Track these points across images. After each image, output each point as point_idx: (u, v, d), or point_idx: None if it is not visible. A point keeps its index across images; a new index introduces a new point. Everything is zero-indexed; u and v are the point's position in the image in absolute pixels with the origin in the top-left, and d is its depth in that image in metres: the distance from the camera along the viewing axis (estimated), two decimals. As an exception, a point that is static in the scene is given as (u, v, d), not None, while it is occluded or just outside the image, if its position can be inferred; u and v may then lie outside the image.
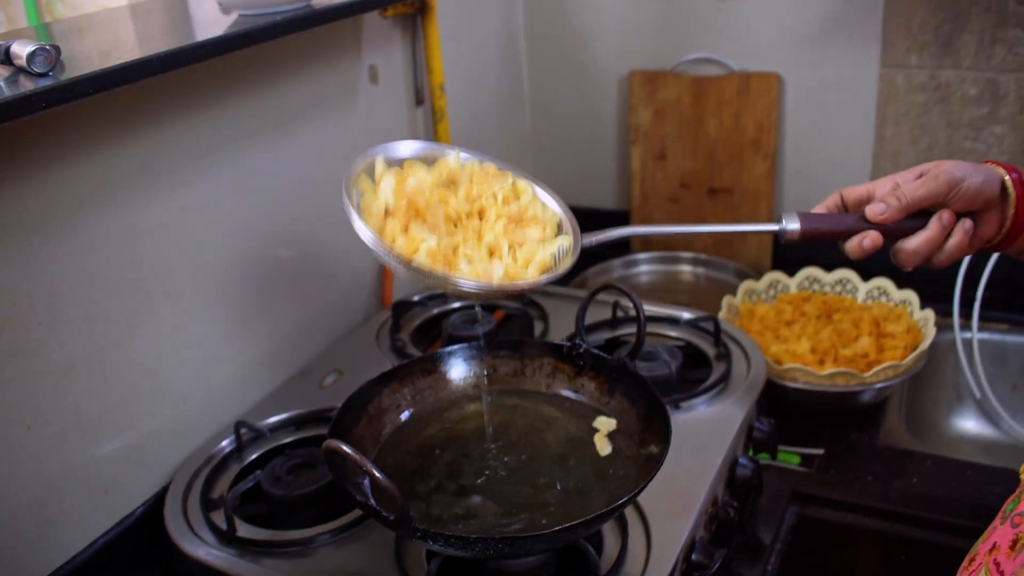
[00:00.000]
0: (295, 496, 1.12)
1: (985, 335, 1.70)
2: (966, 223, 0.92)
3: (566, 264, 0.94)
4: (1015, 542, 0.91)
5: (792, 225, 0.96)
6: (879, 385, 1.45)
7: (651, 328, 1.44)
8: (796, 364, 1.46)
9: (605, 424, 1.06)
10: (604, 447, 1.04)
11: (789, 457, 1.41)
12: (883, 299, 1.68)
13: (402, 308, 1.54)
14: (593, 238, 0.98)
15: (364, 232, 0.88)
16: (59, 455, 1.09)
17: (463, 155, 1.03)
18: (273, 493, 1.13)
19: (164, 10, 1.34)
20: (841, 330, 1.57)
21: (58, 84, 0.86)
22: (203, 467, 1.21)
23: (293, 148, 1.40)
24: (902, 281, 1.68)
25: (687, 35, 1.93)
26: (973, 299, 1.65)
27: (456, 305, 1.59)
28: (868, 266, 1.76)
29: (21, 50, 0.88)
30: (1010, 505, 0.97)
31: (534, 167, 2.20)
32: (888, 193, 0.93)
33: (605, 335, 1.44)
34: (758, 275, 1.78)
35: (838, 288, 1.72)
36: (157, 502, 1.19)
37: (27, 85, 0.86)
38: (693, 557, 1.04)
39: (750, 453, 1.29)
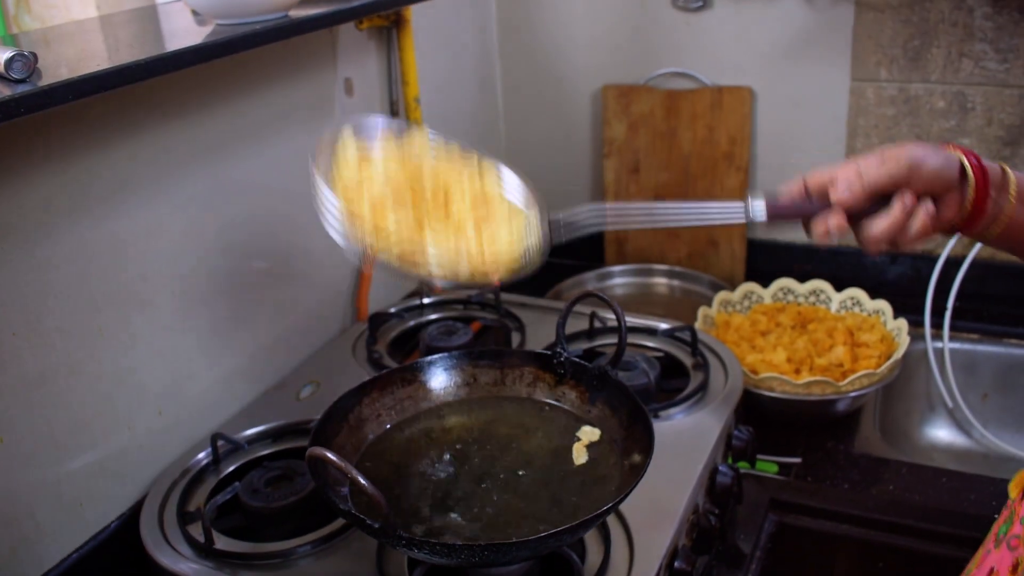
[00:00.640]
0: (274, 508, 1.11)
1: (956, 345, 1.73)
2: (928, 205, 0.92)
3: (532, 243, 0.95)
4: (1015, 566, 0.92)
5: (758, 204, 0.97)
6: (854, 393, 1.46)
7: (629, 338, 1.44)
8: (772, 373, 1.47)
9: (588, 434, 1.06)
10: (580, 456, 1.04)
11: (767, 466, 1.41)
12: (856, 309, 1.69)
13: (378, 320, 1.53)
14: (560, 215, 0.98)
15: (332, 201, 0.88)
16: (32, 469, 1.07)
17: (430, 133, 1.02)
18: (251, 505, 1.12)
19: (135, 22, 1.33)
20: (816, 340, 1.58)
21: (37, 90, 0.84)
22: (179, 480, 1.19)
23: (269, 159, 1.40)
24: (875, 291, 1.70)
25: (659, 50, 1.95)
26: (944, 309, 1.68)
27: (433, 317, 1.59)
28: (841, 276, 1.79)
29: (-2, 56, 0.87)
30: (1002, 528, 0.97)
31: (509, 181, 2.20)
32: (850, 176, 0.93)
33: (583, 345, 1.45)
34: (732, 287, 1.80)
35: (812, 299, 1.74)
36: (132, 516, 1.17)
37: (4, 92, 0.85)
38: (676, 565, 1.05)
39: (729, 461, 1.29)
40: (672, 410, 1.28)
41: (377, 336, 1.52)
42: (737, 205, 0.99)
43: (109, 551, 1.16)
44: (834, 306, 1.71)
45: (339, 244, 0.92)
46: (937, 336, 1.72)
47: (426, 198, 0.95)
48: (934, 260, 1.70)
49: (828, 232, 0.94)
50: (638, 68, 1.97)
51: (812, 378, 1.45)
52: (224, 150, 1.31)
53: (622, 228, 1.05)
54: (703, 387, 1.32)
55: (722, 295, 1.72)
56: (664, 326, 1.48)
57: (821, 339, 1.58)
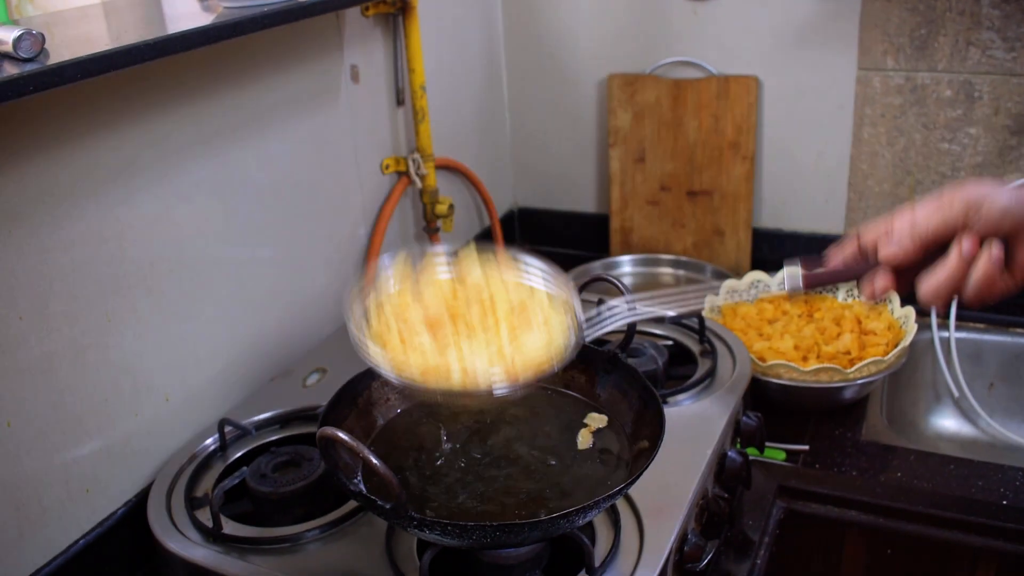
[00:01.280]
0: (281, 493, 1.11)
1: (962, 334, 1.73)
2: (993, 249, 0.80)
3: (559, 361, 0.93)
4: None
5: (793, 273, 0.91)
6: (861, 381, 1.46)
7: (637, 325, 1.44)
8: (780, 360, 1.46)
9: (596, 420, 1.06)
10: (586, 441, 1.03)
11: (775, 453, 1.41)
12: (863, 297, 1.69)
13: (385, 308, 1.53)
14: (595, 331, 0.96)
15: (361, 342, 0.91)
16: (39, 454, 1.07)
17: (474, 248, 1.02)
18: (259, 490, 1.11)
19: (137, 7, 1.33)
20: (823, 327, 1.58)
21: (46, 68, 0.84)
22: (187, 465, 1.19)
23: (275, 146, 1.39)
24: (881, 280, 1.69)
25: (665, 38, 1.94)
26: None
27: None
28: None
29: (7, 35, 0.86)
30: None
31: (513, 170, 2.20)
32: (903, 228, 0.84)
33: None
34: (738, 276, 1.79)
35: (818, 288, 1.73)
36: (139, 501, 1.17)
37: (12, 71, 0.85)
38: (685, 548, 1.04)
39: (738, 446, 1.29)
40: (680, 396, 1.27)
41: (383, 324, 1.51)
42: (775, 291, 0.92)
43: (116, 536, 1.16)
44: (840, 295, 1.71)
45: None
46: (943, 325, 1.71)
47: (465, 314, 0.96)
48: (941, 249, 1.69)
49: (874, 295, 0.87)
50: (644, 57, 1.97)
51: (820, 365, 1.44)
52: (231, 136, 1.30)
53: (649, 317, 1.03)
54: (711, 374, 1.32)
55: (729, 283, 1.72)
56: (671, 313, 1.47)
57: (828, 327, 1.57)
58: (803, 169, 1.91)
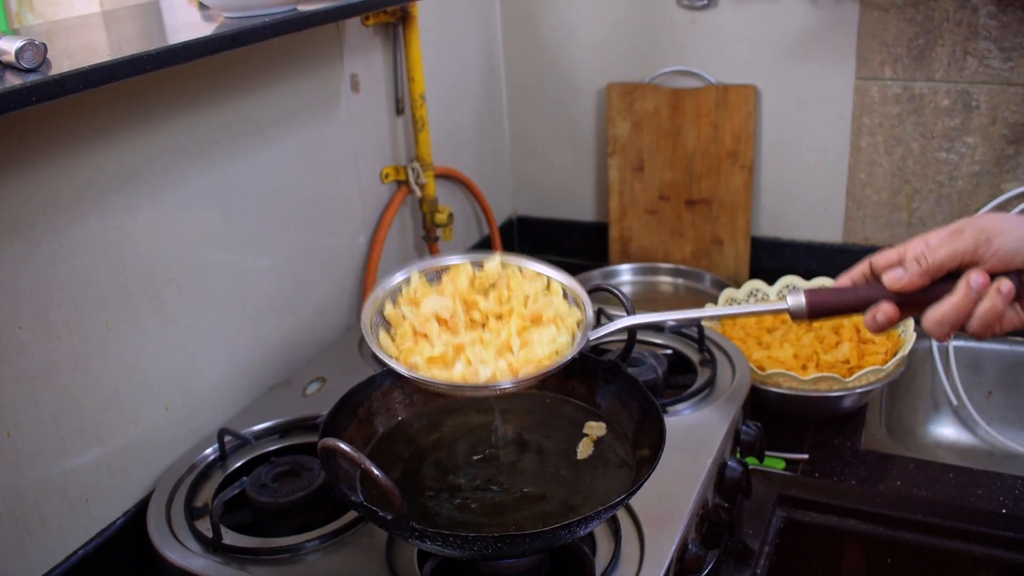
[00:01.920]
0: (282, 503, 1.11)
1: (961, 343, 1.73)
2: (1004, 285, 0.79)
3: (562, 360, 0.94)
4: None
5: (798, 301, 0.88)
6: (861, 390, 1.46)
7: (637, 334, 1.44)
8: (779, 369, 1.47)
9: (595, 429, 1.06)
10: (586, 450, 1.04)
11: (774, 462, 1.41)
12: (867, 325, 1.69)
13: (384, 317, 1.53)
14: (598, 332, 0.97)
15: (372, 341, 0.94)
16: (38, 464, 1.07)
17: (508, 259, 1.03)
18: (259, 500, 1.11)
19: (138, 17, 1.33)
20: (822, 336, 1.58)
21: (48, 79, 0.84)
22: (186, 475, 1.18)
23: (276, 155, 1.39)
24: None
25: (664, 48, 1.95)
26: (949, 306, 1.67)
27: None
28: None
29: (9, 46, 0.86)
30: None
31: (513, 179, 2.20)
32: (915, 255, 0.82)
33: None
34: (736, 285, 1.80)
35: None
36: (139, 512, 1.16)
37: (15, 81, 0.85)
38: (686, 558, 1.04)
39: (738, 456, 1.29)
40: (680, 406, 1.27)
41: (383, 333, 1.51)
42: (779, 306, 0.90)
43: (115, 546, 1.16)
44: (839, 304, 1.71)
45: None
46: (943, 334, 1.72)
47: (488, 323, 0.98)
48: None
49: (877, 324, 0.84)
50: (642, 66, 1.97)
51: (819, 374, 1.45)
52: (231, 145, 1.31)
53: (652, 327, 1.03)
54: (711, 383, 1.32)
55: (728, 292, 1.72)
56: (671, 322, 1.48)
57: (827, 336, 1.58)
58: (801, 178, 1.92)
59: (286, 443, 1.25)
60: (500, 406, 1.11)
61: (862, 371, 1.45)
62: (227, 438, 1.22)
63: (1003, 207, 1.74)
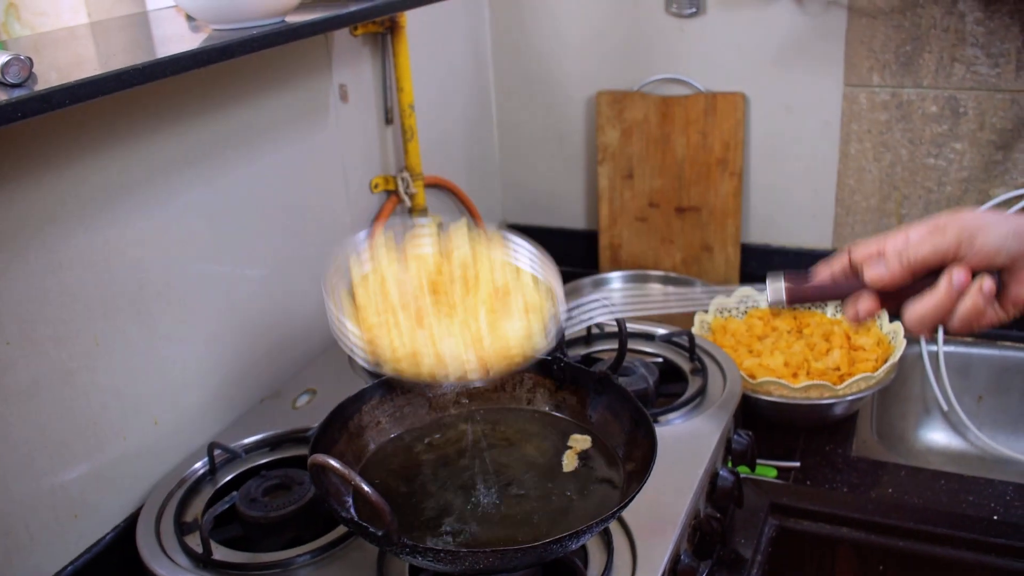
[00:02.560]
0: (272, 518, 1.10)
1: (951, 348, 1.73)
2: (985, 283, 0.78)
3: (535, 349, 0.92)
4: None
5: (777, 287, 0.89)
6: (851, 397, 1.46)
7: (628, 343, 1.44)
8: (770, 378, 1.47)
9: (579, 442, 1.06)
10: (571, 463, 1.03)
11: (766, 470, 1.41)
12: (846, 319, 1.69)
13: (375, 327, 1.52)
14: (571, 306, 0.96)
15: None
16: (26, 479, 1.06)
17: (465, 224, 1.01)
18: (249, 515, 1.10)
19: (126, 28, 1.32)
20: (812, 344, 1.58)
21: (34, 94, 0.83)
22: (176, 490, 1.18)
23: (265, 166, 1.39)
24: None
25: (653, 56, 1.95)
26: (939, 312, 1.68)
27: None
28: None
29: (-7, 61, 0.86)
30: None
31: (502, 187, 2.20)
32: (892, 252, 0.82)
33: (581, 351, 1.44)
34: (727, 292, 1.79)
35: (806, 304, 1.73)
36: (128, 526, 1.16)
37: (0, 97, 0.84)
38: (678, 569, 1.04)
39: (729, 465, 1.29)
40: (671, 415, 1.27)
41: (373, 343, 1.51)
42: (757, 287, 0.92)
43: (104, 562, 1.15)
44: (829, 310, 1.71)
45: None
46: (932, 339, 1.72)
47: (448, 294, 0.95)
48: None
49: (857, 317, 0.84)
50: (631, 74, 1.98)
51: (810, 382, 1.45)
52: (219, 157, 1.30)
53: (632, 315, 1.02)
54: (701, 392, 1.32)
55: (718, 300, 1.72)
56: (662, 331, 1.48)
57: (818, 343, 1.58)
58: (791, 185, 1.92)
59: (276, 456, 1.25)
60: (490, 419, 1.11)
61: (853, 378, 1.45)
62: (217, 452, 1.22)
63: (991, 213, 1.74)
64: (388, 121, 1.70)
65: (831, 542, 1.33)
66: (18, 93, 0.84)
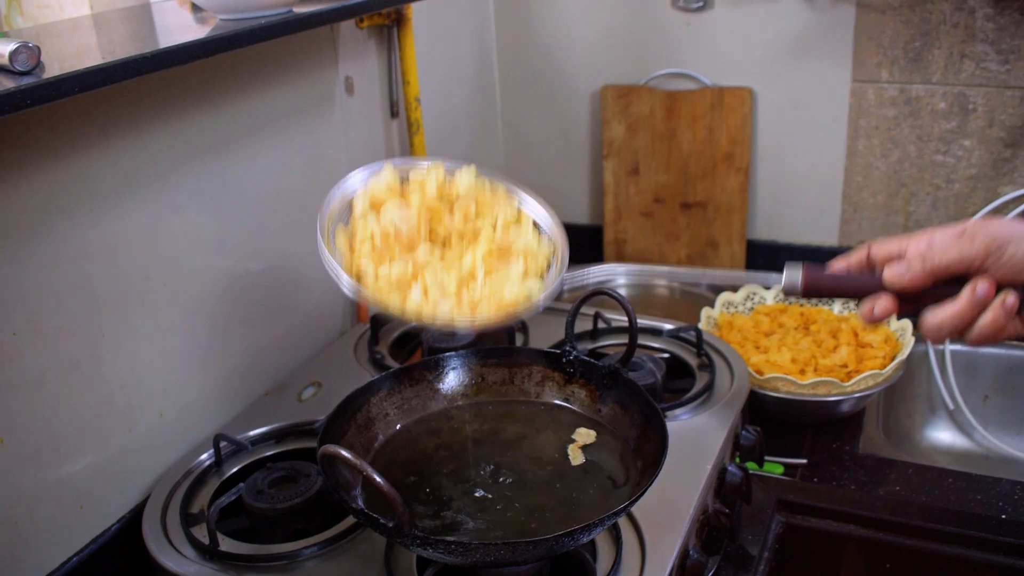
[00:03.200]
0: (279, 509, 1.09)
1: (957, 347, 1.73)
2: (1008, 298, 0.76)
3: (535, 301, 0.91)
4: None
5: (794, 275, 0.86)
6: (859, 394, 1.45)
7: (637, 338, 1.43)
8: (777, 374, 1.46)
9: (584, 436, 1.05)
10: (577, 458, 1.03)
11: (773, 467, 1.41)
12: (860, 317, 1.69)
13: (380, 320, 1.52)
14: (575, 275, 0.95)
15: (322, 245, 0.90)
16: (32, 470, 1.06)
17: (474, 172, 1.00)
18: (256, 507, 1.10)
19: (129, 20, 1.32)
20: (820, 340, 1.57)
21: (42, 82, 0.83)
22: (182, 481, 1.17)
23: (269, 158, 1.38)
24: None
25: (659, 50, 1.94)
26: (946, 310, 1.67)
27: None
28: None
29: (3, 48, 0.85)
30: None
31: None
32: (919, 252, 0.79)
33: (588, 345, 1.44)
34: (733, 288, 1.79)
35: (815, 299, 1.73)
36: (134, 518, 1.15)
37: (9, 84, 0.84)
38: (687, 564, 1.03)
39: (737, 461, 1.29)
40: (679, 410, 1.27)
41: (379, 336, 1.50)
42: (774, 276, 0.90)
43: (110, 553, 1.14)
44: (836, 307, 1.70)
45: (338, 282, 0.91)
46: (939, 337, 1.71)
47: (450, 242, 0.94)
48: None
49: (873, 317, 0.82)
50: (637, 68, 1.97)
51: (818, 378, 1.44)
52: (225, 149, 1.29)
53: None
54: (709, 387, 1.31)
55: (725, 296, 1.71)
56: (669, 326, 1.47)
57: (825, 340, 1.57)
58: (797, 181, 1.91)
59: (282, 448, 1.24)
60: (499, 411, 1.11)
61: (860, 376, 1.45)
62: (223, 444, 1.21)
63: (1000, 210, 1.74)
64: (394, 114, 1.70)
65: (838, 539, 1.33)
66: (26, 81, 0.83)
